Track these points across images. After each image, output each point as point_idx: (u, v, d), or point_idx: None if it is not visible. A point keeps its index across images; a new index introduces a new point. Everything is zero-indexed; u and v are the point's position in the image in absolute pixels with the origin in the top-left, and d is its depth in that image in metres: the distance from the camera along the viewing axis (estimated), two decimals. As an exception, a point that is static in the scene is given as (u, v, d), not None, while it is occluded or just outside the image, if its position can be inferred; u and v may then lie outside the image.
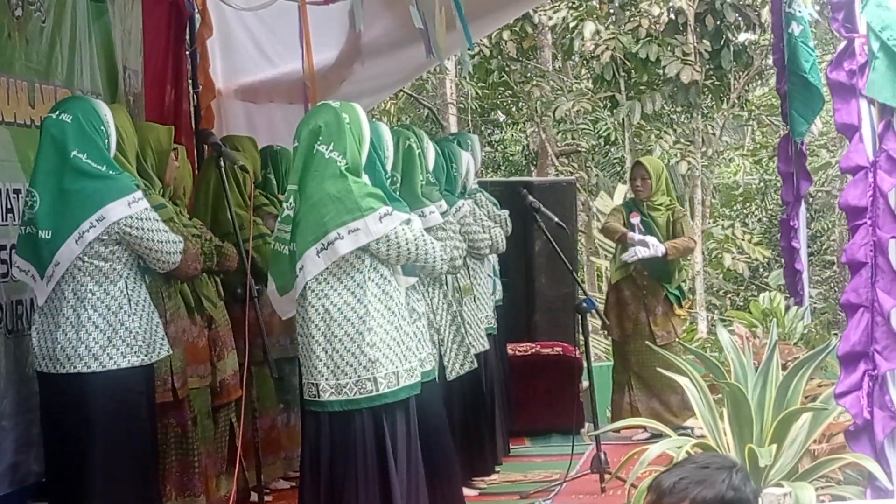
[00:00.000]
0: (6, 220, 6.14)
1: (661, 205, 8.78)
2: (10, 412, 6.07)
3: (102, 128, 5.43)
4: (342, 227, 5.23)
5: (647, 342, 8.40)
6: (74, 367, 5.28)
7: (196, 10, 8.74)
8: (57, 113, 5.44)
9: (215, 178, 6.59)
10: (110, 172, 5.36)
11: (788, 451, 5.02)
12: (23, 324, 6.23)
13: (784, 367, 5.44)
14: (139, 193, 5.43)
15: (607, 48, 14.98)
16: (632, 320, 8.73)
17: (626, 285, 8.82)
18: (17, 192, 6.12)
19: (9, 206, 6.20)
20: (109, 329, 5.31)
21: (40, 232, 5.32)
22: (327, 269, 5.27)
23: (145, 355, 5.43)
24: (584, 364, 7.89)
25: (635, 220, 8.70)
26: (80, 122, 5.36)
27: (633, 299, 8.76)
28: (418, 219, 5.64)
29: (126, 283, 5.40)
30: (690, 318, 9.34)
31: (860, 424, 4.89)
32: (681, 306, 8.65)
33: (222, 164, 6.39)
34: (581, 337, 7.68)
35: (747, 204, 21.19)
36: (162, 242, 5.45)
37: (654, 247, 8.58)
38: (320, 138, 5.36)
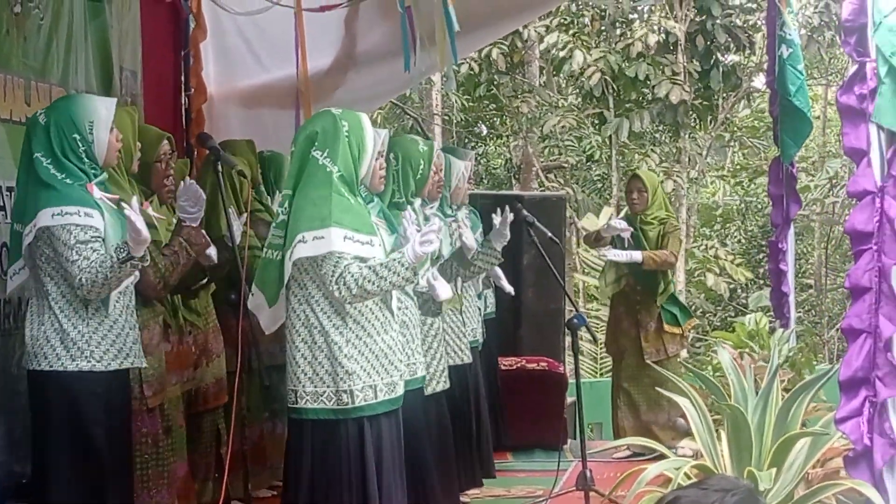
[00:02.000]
0: (-2, 218, 6.08)
1: (654, 218, 8.63)
2: (-6, 411, 6.01)
3: (76, 133, 5.15)
4: (308, 231, 5.12)
5: (635, 359, 8.39)
6: (38, 365, 5.13)
7: (191, 13, 8.70)
8: (41, 112, 5.30)
9: (211, 183, 6.49)
10: (66, 180, 5.11)
11: (786, 475, 5.00)
12: (10, 322, 6.15)
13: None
14: (80, 209, 5.06)
15: (597, 69, 14.99)
16: (626, 336, 8.65)
17: (621, 301, 8.72)
18: (10, 189, 6.02)
19: (1, 204, 6.14)
20: (61, 331, 5.10)
21: (15, 224, 5.28)
22: (309, 275, 5.19)
23: (98, 361, 5.15)
24: (571, 380, 7.81)
25: (626, 234, 8.61)
26: (51, 124, 5.16)
27: (627, 315, 8.66)
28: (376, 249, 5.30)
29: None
30: (688, 339, 9.20)
31: (860, 451, 4.87)
32: (678, 324, 8.55)
33: (220, 168, 6.28)
34: (570, 352, 7.61)
35: (727, 224, 21.22)
36: (71, 263, 5.05)
37: (628, 254, 8.49)
38: (316, 144, 5.27)
